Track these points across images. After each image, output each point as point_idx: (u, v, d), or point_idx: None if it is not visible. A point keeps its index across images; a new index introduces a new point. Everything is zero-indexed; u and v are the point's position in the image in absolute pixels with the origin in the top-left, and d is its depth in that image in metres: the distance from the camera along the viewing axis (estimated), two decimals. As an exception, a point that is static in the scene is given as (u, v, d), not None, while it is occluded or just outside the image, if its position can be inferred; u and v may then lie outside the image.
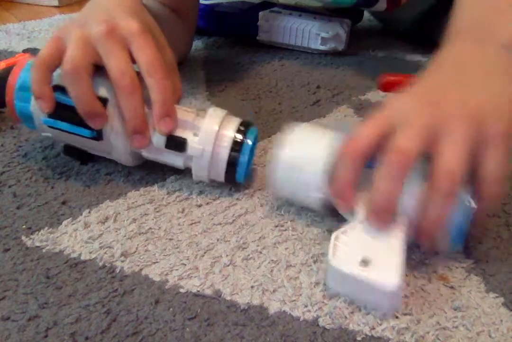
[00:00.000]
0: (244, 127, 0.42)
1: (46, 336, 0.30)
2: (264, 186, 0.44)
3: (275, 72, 0.70)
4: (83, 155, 0.46)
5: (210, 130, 0.40)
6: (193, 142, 0.40)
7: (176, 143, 0.40)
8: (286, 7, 0.79)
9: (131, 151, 0.42)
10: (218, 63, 0.73)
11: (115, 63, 0.38)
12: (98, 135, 0.41)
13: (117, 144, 0.41)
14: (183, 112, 0.41)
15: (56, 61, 0.39)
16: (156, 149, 0.41)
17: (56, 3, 1.08)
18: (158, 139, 0.40)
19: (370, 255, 0.31)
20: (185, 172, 0.45)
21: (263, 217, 0.40)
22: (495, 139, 0.31)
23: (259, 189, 0.44)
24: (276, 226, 0.39)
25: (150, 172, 0.46)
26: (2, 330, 0.30)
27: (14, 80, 0.43)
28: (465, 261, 0.36)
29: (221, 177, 0.42)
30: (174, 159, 0.42)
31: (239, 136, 0.41)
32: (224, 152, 0.40)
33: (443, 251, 0.36)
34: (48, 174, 0.46)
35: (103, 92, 0.40)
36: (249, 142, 0.41)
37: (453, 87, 0.35)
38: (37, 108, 0.41)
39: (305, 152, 0.38)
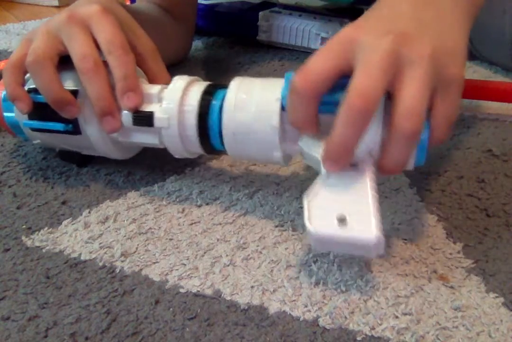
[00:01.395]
0: (212, 89, 0.38)
1: (46, 336, 0.30)
2: (264, 186, 0.44)
3: (275, 72, 0.70)
4: (78, 158, 0.46)
5: (173, 96, 0.38)
6: (158, 112, 0.38)
7: (143, 118, 0.38)
8: (286, 7, 0.79)
9: (111, 141, 0.41)
10: (218, 63, 0.73)
11: (76, 47, 0.38)
12: (74, 129, 0.40)
13: (93, 135, 0.40)
14: (149, 87, 0.39)
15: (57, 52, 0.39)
16: (128, 130, 0.39)
17: (56, 3, 1.08)
18: (126, 118, 0.38)
19: (344, 211, 0.30)
20: (185, 172, 0.45)
21: (263, 217, 0.40)
22: (452, 84, 0.31)
23: (259, 189, 0.44)
24: (276, 226, 0.39)
25: (150, 172, 0.46)
26: (2, 330, 0.30)
27: (0, 92, 0.43)
28: (465, 261, 0.36)
29: (196, 146, 0.39)
30: (147, 138, 0.39)
31: (206, 98, 0.37)
32: (190, 117, 0.37)
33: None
34: (48, 174, 0.46)
35: (71, 84, 0.40)
36: (216, 103, 0.37)
37: (414, 24, 0.32)
38: (19, 114, 0.41)
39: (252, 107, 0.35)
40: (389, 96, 0.31)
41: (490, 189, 0.44)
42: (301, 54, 0.77)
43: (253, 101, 0.35)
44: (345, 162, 0.32)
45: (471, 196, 0.43)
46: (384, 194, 0.43)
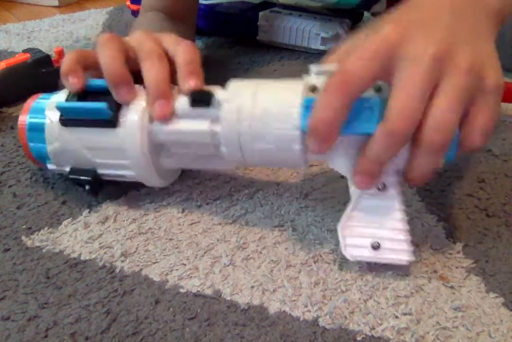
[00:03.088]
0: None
1: (46, 336, 0.30)
2: (264, 186, 0.44)
3: (275, 72, 0.70)
4: (91, 180, 0.40)
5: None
6: (220, 94, 0.36)
7: (202, 97, 0.36)
8: (286, 7, 0.79)
9: (150, 151, 0.38)
10: (218, 63, 0.73)
11: (136, 37, 0.41)
12: (114, 118, 0.37)
13: (132, 128, 0.37)
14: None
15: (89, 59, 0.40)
16: (178, 118, 0.37)
17: (56, 3, 1.08)
18: (182, 103, 0.37)
19: (376, 236, 0.34)
20: (185, 172, 0.45)
21: (263, 217, 0.40)
22: (490, 94, 0.30)
23: (259, 189, 0.44)
24: (276, 226, 0.39)
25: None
26: (2, 330, 0.30)
27: (24, 123, 0.41)
28: (465, 261, 0.36)
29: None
30: (198, 125, 0.36)
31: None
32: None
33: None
34: (48, 174, 0.46)
35: None
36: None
37: (454, 34, 0.31)
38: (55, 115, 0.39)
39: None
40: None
41: (490, 189, 0.44)
42: (301, 54, 0.77)
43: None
44: (376, 181, 0.33)
45: (471, 196, 0.43)
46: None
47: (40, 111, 0.40)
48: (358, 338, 0.30)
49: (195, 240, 0.38)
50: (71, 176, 0.40)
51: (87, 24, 0.91)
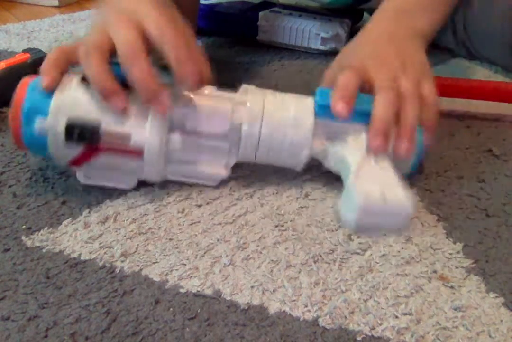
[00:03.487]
0: None
1: (46, 336, 0.30)
2: (264, 186, 0.44)
3: (275, 72, 0.70)
4: (90, 131, 0.39)
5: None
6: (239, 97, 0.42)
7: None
8: (286, 7, 0.79)
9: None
10: (218, 63, 0.73)
11: (120, 36, 0.38)
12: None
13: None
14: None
15: (108, 46, 0.38)
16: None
17: (56, 3, 1.08)
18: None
19: (381, 188, 0.37)
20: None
21: (263, 217, 0.40)
22: (410, 97, 0.42)
23: (259, 189, 0.44)
24: (276, 226, 0.39)
25: (150, 171, 0.46)
26: (2, 330, 0.30)
27: (20, 103, 0.39)
28: (465, 261, 0.36)
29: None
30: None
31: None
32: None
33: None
34: (48, 174, 0.46)
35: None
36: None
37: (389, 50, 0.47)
38: (52, 127, 0.38)
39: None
40: None
41: (490, 189, 0.44)
42: (301, 54, 0.77)
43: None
44: (389, 141, 0.40)
45: (471, 196, 0.43)
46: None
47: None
48: (358, 338, 0.30)
49: (195, 240, 0.38)
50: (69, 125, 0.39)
51: (87, 24, 0.91)
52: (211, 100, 0.41)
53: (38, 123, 0.39)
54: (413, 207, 0.37)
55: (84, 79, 0.40)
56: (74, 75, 0.41)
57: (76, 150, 0.39)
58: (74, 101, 0.39)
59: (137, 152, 0.39)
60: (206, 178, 0.43)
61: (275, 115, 0.41)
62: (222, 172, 0.42)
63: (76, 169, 0.42)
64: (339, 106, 0.39)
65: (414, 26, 0.51)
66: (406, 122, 0.40)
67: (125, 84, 0.38)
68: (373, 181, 0.38)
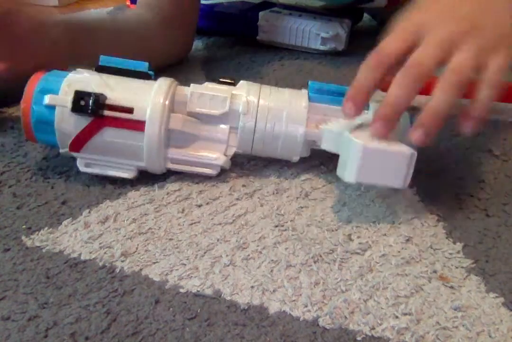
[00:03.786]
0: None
1: (46, 336, 0.30)
2: (264, 186, 0.44)
3: (275, 72, 0.70)
4: (94, 101, 0.40)
5: None
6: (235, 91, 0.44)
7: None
8: (286, 7, 0.79)
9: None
10: (218, 63, 0.73)
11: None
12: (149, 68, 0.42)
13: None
14: None
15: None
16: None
17: (56, 3, 1.08)
18: None
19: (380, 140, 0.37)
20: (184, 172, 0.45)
21: (263, 217, 0.40)
22: (451, 77, 0.35)
23: (259, 188, 0.44)
24: (276, 226, 0.39)
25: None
26: (2, 330, 0.30)
27: (33, 86, 0.41)
28: (465, 261, 0.36)
29: None
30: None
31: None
32: None
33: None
34: (48, 174, 0.46)
35: None
36: None
37: (469, 9, 0.38)
38: (61, 100, 0.40)
39: None
40: None
41: (490, 189, 0.44)
42: (301, 54, 0.77)
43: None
44: (393, 124, 0.36)
45: (471, 196, 0.43)
46: (384, 193, 0.43)
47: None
48: (358, 338, 0.30)
49: (195, 240, 0.38)
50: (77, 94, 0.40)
51: (87, 24, 0.91)
52: (213, 89, 0.43)
53: (48, 98, 0.40)
54: (414, 151, 0.36)
55: (98, 69, 0.42)
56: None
57: (81, 124, 0.41)
58: (85, 79, 0.41)
59: (139, 126, 0.40)
60: (205, 165, 0.43)
61: (271, 104, 0.43)
62: (222, 158, 0.43)
63: (77, 156, 0.43)
64: (346, 107, 0.38)
65: None
66: (428, 109, 0.35)
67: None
68: (368, 136, 0.38)
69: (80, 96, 0.40)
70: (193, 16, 0.70)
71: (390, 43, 0.37)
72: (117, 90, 0.41)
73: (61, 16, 0.52)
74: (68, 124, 0.41)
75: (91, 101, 0.39)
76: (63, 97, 0.40)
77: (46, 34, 0.48)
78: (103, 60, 0.42)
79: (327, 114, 0.43)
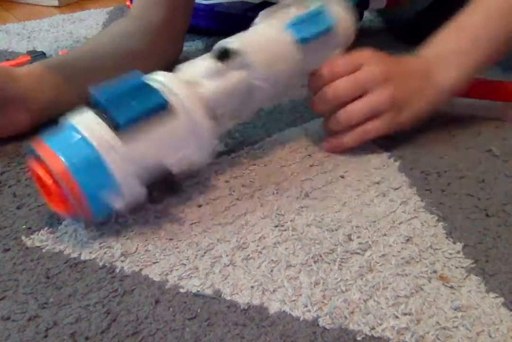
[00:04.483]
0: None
1: (46, 336, 0.30)
2: (264, 186, 0.44)
3: (275, 72, 0.70)
4: (168, 182, 0.38)
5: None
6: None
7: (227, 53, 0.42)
8: (286, 7, 0.79)
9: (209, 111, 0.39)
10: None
11: None
12: (165, 102, 0.36)
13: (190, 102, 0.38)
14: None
15: None
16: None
17: (56, 3, 1.08)
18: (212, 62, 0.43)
19: None
20: (184, 172, 0.45)
21: (263, 217, 0.40)
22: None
23: (259, 189, 0.44)
24: (276, 226, 0.39)
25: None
26: (2, 330, 0.30)
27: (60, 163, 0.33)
28: (465, 261, 0.36)
29: None
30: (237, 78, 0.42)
31: None
32: None
33: None
34: (48, 174, 0.46)
35: None
36: None
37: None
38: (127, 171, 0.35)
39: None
40: None
41: (490, 189, 0.44)
42: (301, 54, 0.77)
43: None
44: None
45: (471, 196, 0.43)
46: (384, 193, 0.43)
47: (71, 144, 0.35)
48: (358, 338, 0.30)
49: (195, 240, 0.38)
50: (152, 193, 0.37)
51: (87, 24, 0.91)
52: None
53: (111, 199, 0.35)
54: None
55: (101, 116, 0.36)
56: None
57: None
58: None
59: None
60: None
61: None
62: None
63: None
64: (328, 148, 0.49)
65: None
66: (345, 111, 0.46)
67: None
68: None
69: (150, 190, 0.37)
70: (185, 20, 0.70)
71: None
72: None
73: (43, 64, 0.52)
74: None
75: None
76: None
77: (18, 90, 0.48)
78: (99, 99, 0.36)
79: None
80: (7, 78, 0.47)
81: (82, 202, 0.34)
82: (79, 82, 0.48)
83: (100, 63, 0.57)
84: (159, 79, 0.39)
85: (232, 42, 0.42)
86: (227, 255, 0.36)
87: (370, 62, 0.46)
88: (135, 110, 0.35)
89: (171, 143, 0.38)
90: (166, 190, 0.39)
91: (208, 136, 0.39)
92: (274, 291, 0.33)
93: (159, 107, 0.36)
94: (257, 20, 0.48)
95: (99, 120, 0.35)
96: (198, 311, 0.32)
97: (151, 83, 0.38)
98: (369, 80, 0.46)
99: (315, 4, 0.46)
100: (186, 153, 0.38)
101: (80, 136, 0.35)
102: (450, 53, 0.49)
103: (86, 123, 0.35)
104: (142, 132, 0.36)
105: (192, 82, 0.40)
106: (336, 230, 0.39)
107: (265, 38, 0.44)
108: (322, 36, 0.45)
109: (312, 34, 0.44)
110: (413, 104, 0.47)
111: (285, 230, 0.39)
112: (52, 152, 0.34)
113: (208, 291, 0.33)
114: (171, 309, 0.32)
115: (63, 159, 0.34)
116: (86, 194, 0.34)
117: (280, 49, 0.44)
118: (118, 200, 0.35)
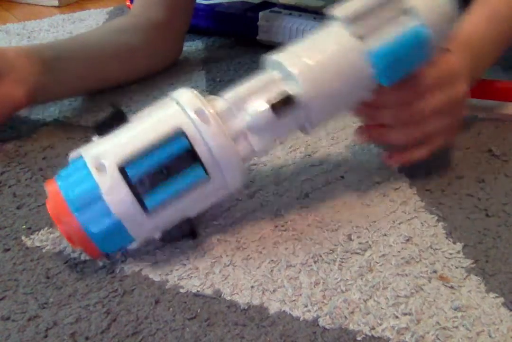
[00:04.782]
0: None
1: (46, 336, 0.30)
2: (264, 186, 0.44)
3: (275, 72, 0.70)
4: (189, 228, 0.37)
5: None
6: (294, 89, 0.34)
7: (284, 102, 0.34)
8: (286, 7, 0.79)
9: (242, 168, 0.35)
10: (218, 63, 0.73)
11: None
12: (206, 172, 0.33)
13: (231, 165, 0.34)
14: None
15: None
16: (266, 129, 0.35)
17: (56, 3, 1.08)
18: (266, 114, 0.34)
19: None
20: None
21: (263, 217, 0.40)
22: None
23: (259, 189, 0.44)
24: (276, 226, 0.39)
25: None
26: (2, 330, 0.30)
27: (61, 202, 0.32)
28: (465, 261, 0.36)
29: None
30: (288, 127, 0.36)
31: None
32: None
33: None
34: (48, 174, 0.46)
35: None
36: None
37: None
38: (125, 207, 0.32)
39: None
40: None
41: (490, 189, 0.44)
42: (301, 54, 0.77)
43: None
44: None
45: (471, 196, 0.43)
46: (384, 193, 0.43)
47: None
48: (358, 338, 0.30)
49: (195, 240, 0.38)
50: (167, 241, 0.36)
51: (87, 24, 0.91)
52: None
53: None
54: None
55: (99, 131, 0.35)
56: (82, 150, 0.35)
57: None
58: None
59: None
60: None
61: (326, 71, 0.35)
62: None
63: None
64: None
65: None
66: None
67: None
68: None
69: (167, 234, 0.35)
70: (185, 19, 0.70)
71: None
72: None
73: (28, 47, 0.52)
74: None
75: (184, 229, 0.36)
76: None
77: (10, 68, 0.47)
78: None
79: None
80: None
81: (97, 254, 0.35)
82: (62, 66, 0.50)
83: (84, 52, 0.57)
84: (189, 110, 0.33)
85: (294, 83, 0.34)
86: (227, 255, 0.36)
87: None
88: (168, 192, 0.32)
89: (198, 203, 0.35)
90: (183, 234, 0.37)
91: (241, 183, 0.36)
92: (274, 291, 0.33)
93: (197, 182, 0.33)
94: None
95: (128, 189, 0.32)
96: (198, 311, 0.32)
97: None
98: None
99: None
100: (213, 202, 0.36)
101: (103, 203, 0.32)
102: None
103: (110, 186, 0.32)
104: (171, 203, 0.33)
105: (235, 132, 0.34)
106: (336, 230, 0.39)
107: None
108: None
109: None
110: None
111: (285, 230, 0.39)
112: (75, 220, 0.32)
113: (208, 291, 0.33)
114: (171, 309, 0.32)
115: (82, 226, 0.32)
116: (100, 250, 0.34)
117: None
118: (132, 245, 0.35)
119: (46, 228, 0.39)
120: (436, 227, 0.39)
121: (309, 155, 0.48)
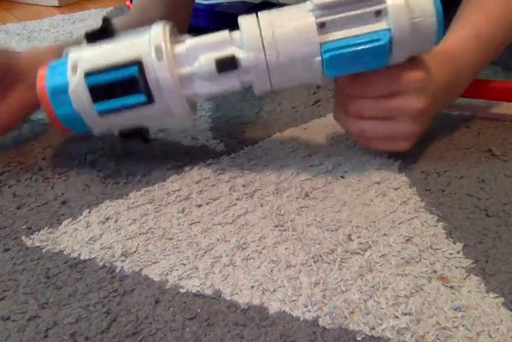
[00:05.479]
0: None
1: (46, 336, 0.30)
2: (264, 186, 0.44)
3: (275, 72, 0.70)
4: (142, 134, 0.44)
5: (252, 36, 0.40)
6: (241, 53, 0.39)
7: (227, 63, 0.39)
8: (286, 7, 0.79)
9: (186, 101, 0.41)
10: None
11: None
12: (148, 99, 0.40)
13: (172, 98, 0.40)
14: (210, 36, 0.41)
15: None
16: (209, 80, 0.40)
17: (56, 3, 1.08)
18: (208, 68, 0.39)
19: None
20: (185, 172, 0.45)
21: (263, 217, 0.40)
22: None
23: (259, 189, 0.44)
24: (276, 226, 0.39)
25: (150, 171, 0.46)
26: (2, 330, 0.31)
27: (43, 86, 0.41)
28: (465, 261, 0.36)
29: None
30: (229, 82, 0.41)
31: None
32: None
33: None
34: (48, 174, 0.46)
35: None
36: None
37: None
38: (82, 104, 0.40)
39: None
40: None
41: (490, 189, 0.44)
42: (301, 54, 0.77)
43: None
44: None
45: (471, 196, 0.43)
46: (384, 193, 0.43)
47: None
48: (358, 338, 0.30)
49: (195, 240, 0.38)
50: (123, 138, 0.44)
51: (87, 24, 0.91)
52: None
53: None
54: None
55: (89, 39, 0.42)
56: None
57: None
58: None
59: None
60: None
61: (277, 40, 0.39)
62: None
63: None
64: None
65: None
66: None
67: None
68: None
69: (125, 134, 0.44)
70: (185, 19, 0.70)
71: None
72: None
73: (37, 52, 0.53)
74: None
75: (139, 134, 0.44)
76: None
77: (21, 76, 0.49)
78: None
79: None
80: (11, 55, 0.49)
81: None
82: None
83: None
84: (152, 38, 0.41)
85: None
86: (227, 255, 0.36)
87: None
88: (114, 105, 0.41)
89: (145, 119, 0.43)
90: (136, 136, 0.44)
91: (186, 114, 0.42)
92: (274, 291, 0.33)
93: (141, 103, 0.41)
94: None
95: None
96: (198, 311, 0.32)
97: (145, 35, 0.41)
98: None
99: None
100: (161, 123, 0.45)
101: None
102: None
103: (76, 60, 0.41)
104: (118, 114, 0.41)
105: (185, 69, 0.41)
106: (336, 230, 0.39)
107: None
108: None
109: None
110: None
111: (285, 230, 0.39)
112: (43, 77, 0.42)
113: (208, 291, 0.33)
114: (171, 309, 0.32)
115: (52, 107, 0.42)
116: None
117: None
118: (95, 131, 0.43)
119: (46, 228, 0.39)
120: (436, 227, 0.39)
121: (309, 155, 0.48)
